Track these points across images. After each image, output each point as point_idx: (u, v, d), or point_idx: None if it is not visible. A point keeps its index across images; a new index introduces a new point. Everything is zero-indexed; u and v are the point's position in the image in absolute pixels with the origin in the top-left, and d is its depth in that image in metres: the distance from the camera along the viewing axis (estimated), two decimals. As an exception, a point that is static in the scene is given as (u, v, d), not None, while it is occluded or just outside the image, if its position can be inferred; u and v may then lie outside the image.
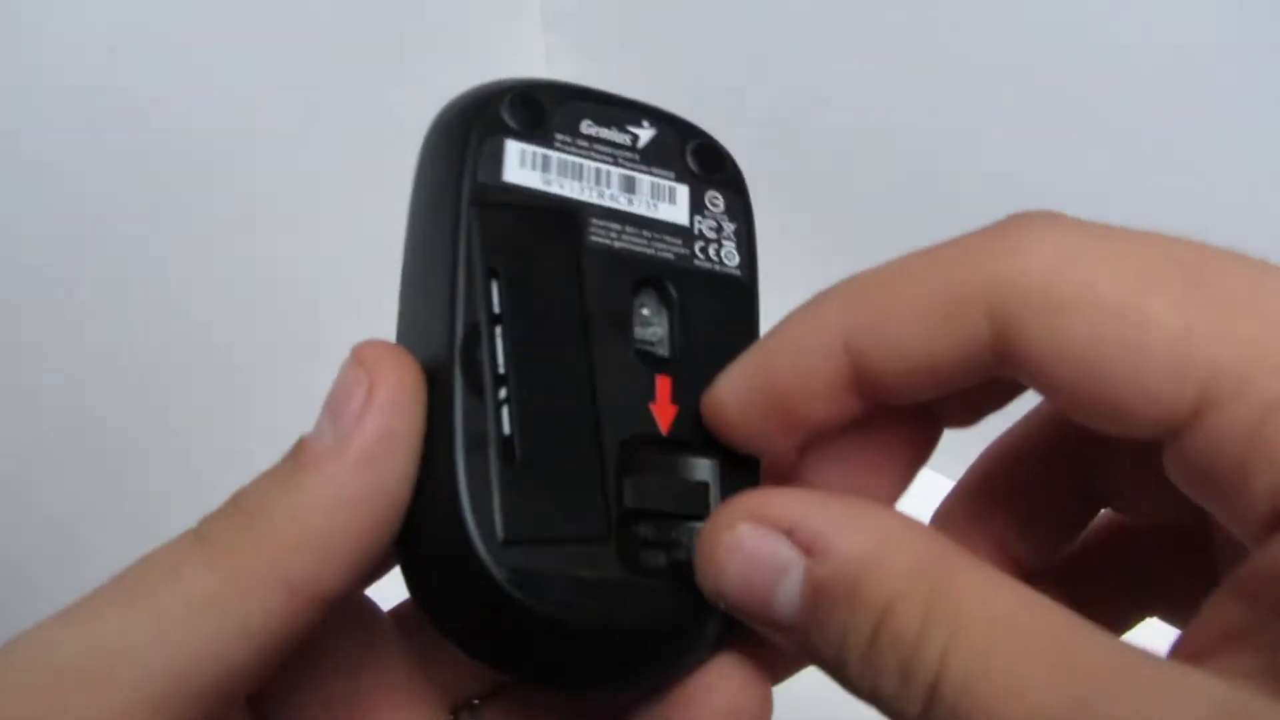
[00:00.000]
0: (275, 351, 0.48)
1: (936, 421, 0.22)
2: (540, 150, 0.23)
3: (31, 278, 0.39)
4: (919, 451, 0.22)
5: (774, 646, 0.21)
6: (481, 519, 0.20)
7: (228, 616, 0.18)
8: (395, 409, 0.20)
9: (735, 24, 0.50)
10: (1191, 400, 0.16)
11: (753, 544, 0.19)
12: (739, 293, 0.24)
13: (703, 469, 0.23)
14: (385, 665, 0.25)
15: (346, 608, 0.24)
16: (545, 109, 0.23)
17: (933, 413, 0.22)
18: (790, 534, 0.19)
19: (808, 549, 0.18)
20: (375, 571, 0.24)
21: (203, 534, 0.19)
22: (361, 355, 0.20)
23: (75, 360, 0.41)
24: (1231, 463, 0.16)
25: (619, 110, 0.24)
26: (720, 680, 0.22)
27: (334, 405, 0.20)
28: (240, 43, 0.42)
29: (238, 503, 0.20)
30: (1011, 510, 0.23)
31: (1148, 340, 0.16)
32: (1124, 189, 0.43)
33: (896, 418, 0.21)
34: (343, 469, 0.19)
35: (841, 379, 0.20)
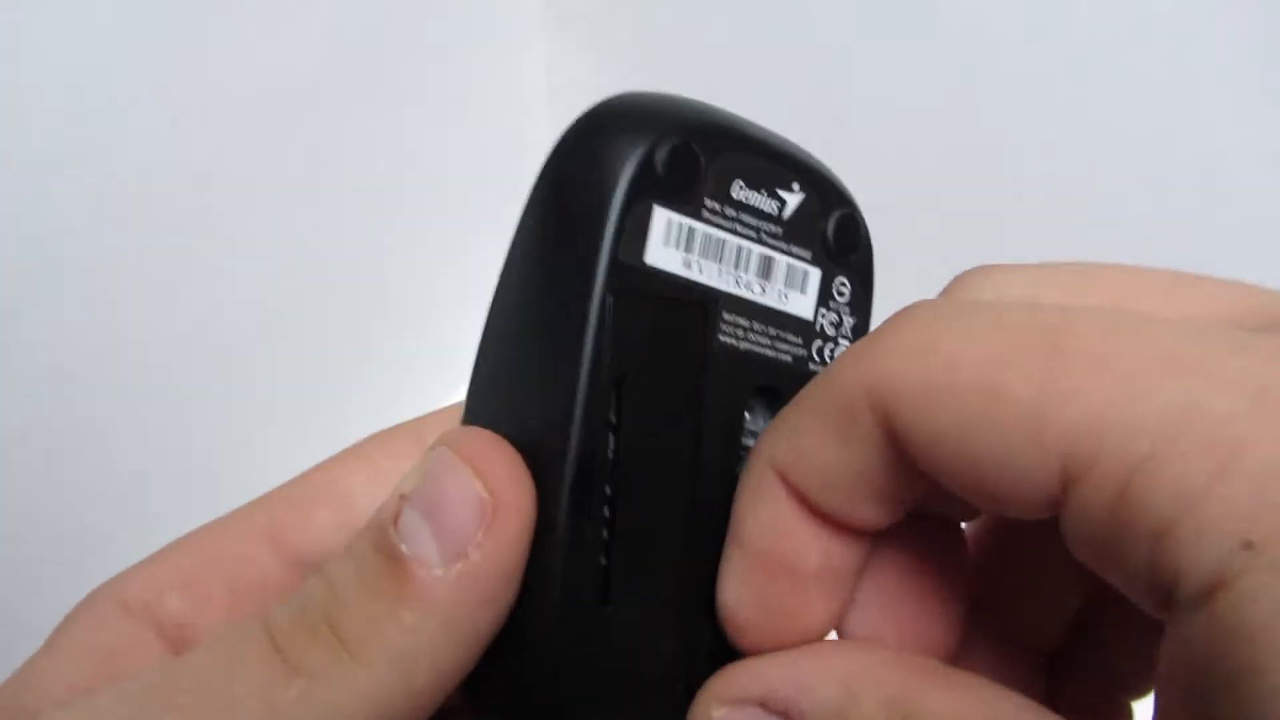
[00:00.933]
0: (275, 351, 0.48)
1: (947, 525, 0.20)
2: (688, 222, 0.19)
3: (32, 278, 0.38)
4: (950, 560, 0.20)
5: None
6: (575, 672, 0.18)
7: None
8: (519, 539, 0.17)
9: (737, 26, 0.49)
10: (1056, 473, 0.15)
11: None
12: None
13: None
14: None
15: None
16: (700, 163, 0.19)
17: (929, 517, 0.20)
18: (764, 706, 0.18)
19: (785, 717, 0.18)
20: None
21: (294, 660, 0.17)
22: (471, 453, 0.18)
23: (76, 360, 0.40)
24: (1105, 537, 0.15)
25: (773, 168, 0.20)
26: None
27: (441, 516, 0.17)
28: (239, 43, 0.41)
29: (334, 626, 0.17)
30: (1013, 589, 0.22)
31: (1004, 415, 0.15)
32: (1124, 188, 0.43)
33: (903, 543, 0.20)
34: (461, 610, 0.17)
35: (816, 535, 0.18)
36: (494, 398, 0.19)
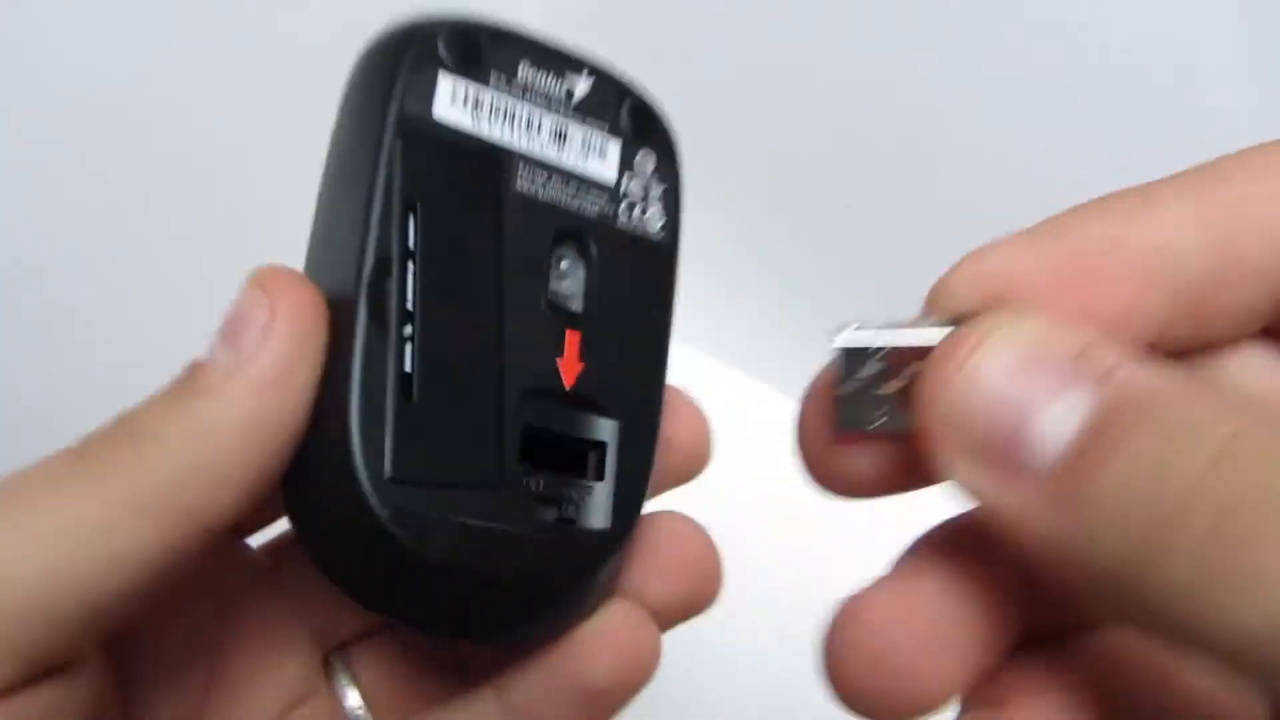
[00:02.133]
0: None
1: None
2: (474, 87, 0.23)
3: (31, 277, 0.39)
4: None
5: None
6: (370, 454, 0.20)
7: (115, 541, 0.18)
8: (296, 336, 0.19)
9: (736, 27, 0.50)
10: None
11: (1036, 341, 0.15)
12: (658, 258, 0.24)
13: (603, 429, 0.23)
14: (253, 603, 0.24)
15: (214, 556, 0.23)
16: (482, 47, 0.23)
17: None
18: (1083, 354, 0.15)
19: (1103, 375, 0.14)
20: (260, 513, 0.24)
21: (87, 453, 0.19)
22: (263, 280, 0.20)
23: (76, 360, 0.41)
24: None
25: (558, 59, 0.24)
26: (613, 624, 0.22)
27: (232, 329, 0.20)
28: (239, 43, 0.43)
29: (128, 424, 0.19)
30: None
31: None
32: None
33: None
34: (241, 394, 0.19)
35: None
36: (313, 250, 0.22)
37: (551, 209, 0.23)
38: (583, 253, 0.23)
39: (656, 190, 0.25)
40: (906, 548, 0.18)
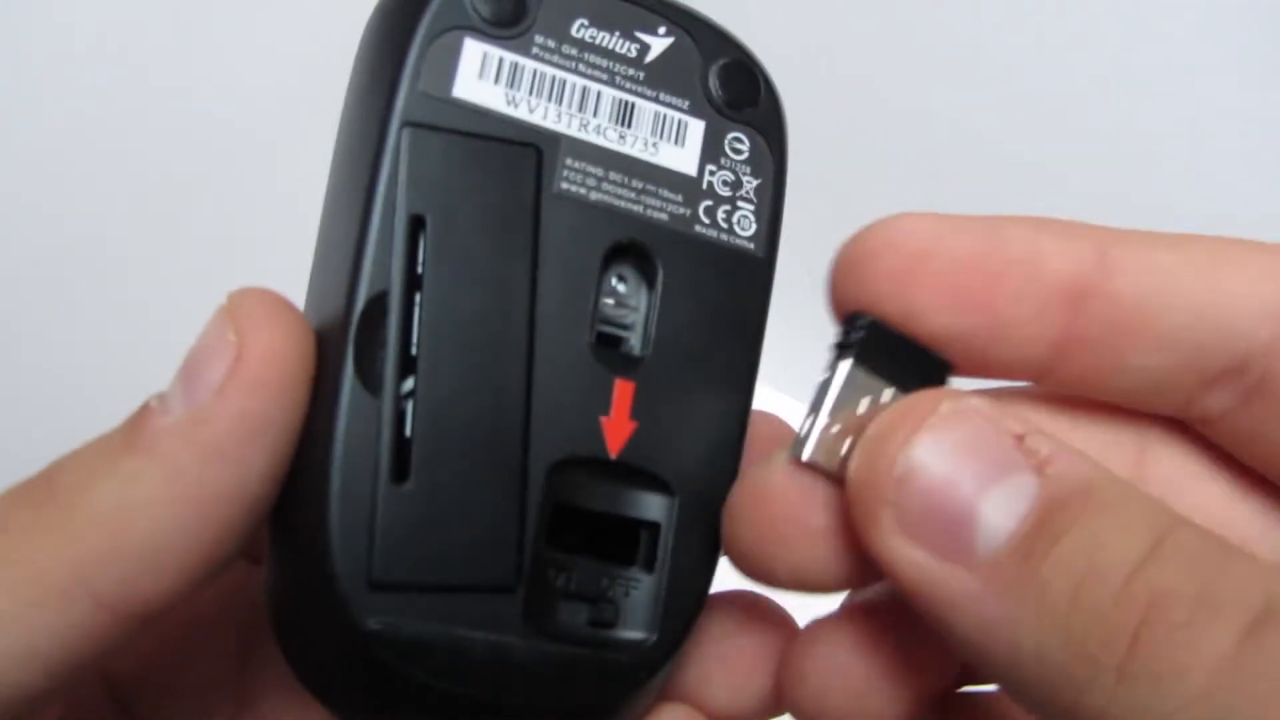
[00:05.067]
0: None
1: None
2: (510, 56, 0.18)
3: (30, 278, 0.39)
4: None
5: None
6: (351, 552, 0.15)
7: (14, 631, 0.15)
8: (264, 385, 0.15)
9: (736, 28, 0.50)
10: None
11: (976, 426, 0.15)
12: (748, 274, 0.19)
13: (656, 507, 0.18)
14: (275, 657, 0.21)
15: (232, 588, 0.21)
16: (528, 1, 0.18)
17: None
18: (1020, 441, 0.15)
19: (1041, 463, 0.15)
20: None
21: (2, 522, 0.15)
22: (235, 309, 0.16)
23: (76, 361, 0.41)
24: None
25: (629, 9, 0.18)
26: None
27: (190, 370, 0.16)
28: (238, 44, 0.42)
29: (51, 481, 0.16)
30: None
31: None
32: (1123, 188, 0.41)
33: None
34: (186, 460, 0.15)
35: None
36: (312, 276, 0.18)
37: (606, 215, 0.18)
38: (646, 273, 0.18)
39: (750, 184, 0.19)
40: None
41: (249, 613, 0.21)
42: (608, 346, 0.18)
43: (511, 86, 0.17)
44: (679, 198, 0.18)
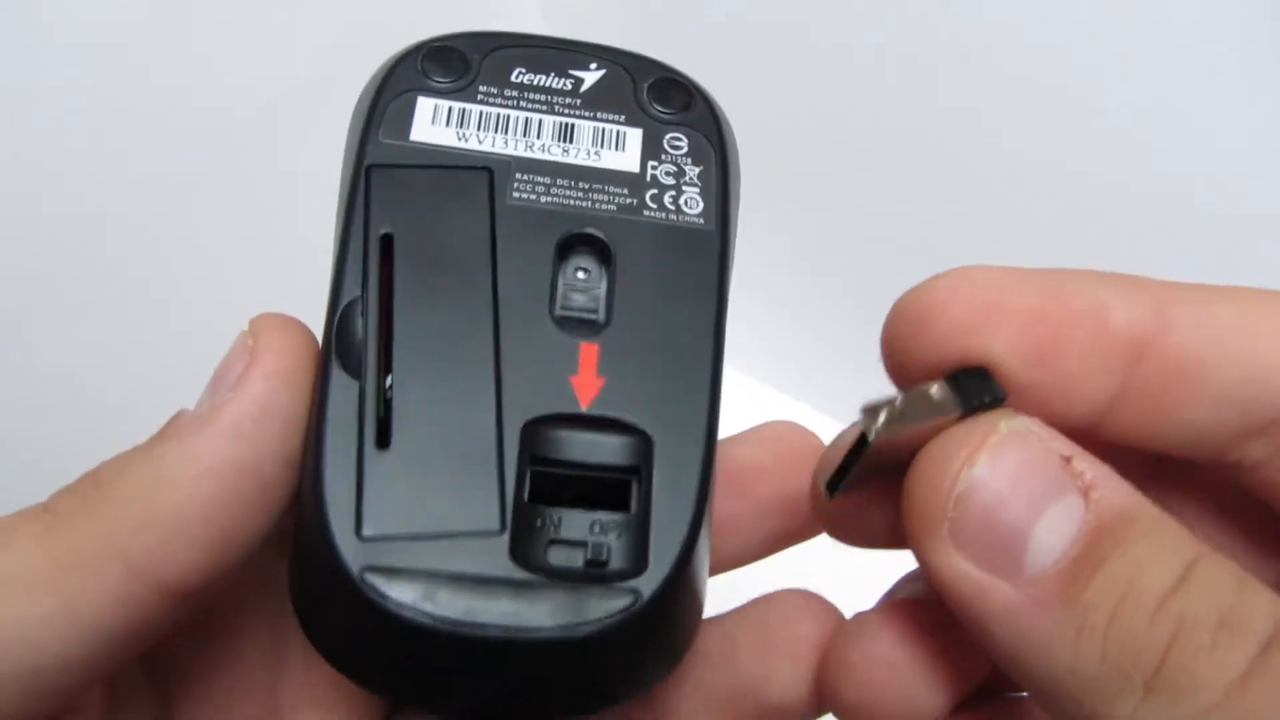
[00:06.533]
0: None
1: None
2: (458, 104, 0.21)
3: (31, 278, 0.39)
4: None
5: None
6: (340, 510, 0.17)
7: (51, 595, 0.16)
8: (275, 380, 0.18)
9: (736, 29, 0.49)
10: None
11: (1033, 448, 0.16)
12: (699, 244, 0.20)
13: (634, 451, 0.19)
14: (311, 655, 0.22)
15: (267, 583, 0.22)
16: (469, 60, 0.21)
17: None
18: (1067, 463, 0.16)
19: (1085, 486, 0.16)
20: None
21: (50, 504, 0.18)
22: (254, 325, 0.19)
23: (77, 361, 0.41)
24: None
25: (559, 54, 0.22)
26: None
27: (216, 376, 0.18)
28: (236, 44, 0.43)
29: (94, 474, 0.18)
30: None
31: None
32: (1126, 189, 0.41)
33: None
34: (208, 441, 0.17)
35: None
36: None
37: (555, 214, 0.20)
38: (602, 256, 0.20)
39: (692, 172, 0.21)
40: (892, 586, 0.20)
41: (283, 618, 0.22)
42: (569, 320, 0.20)
43: (461, 126, 0.21)
44: (624, 190, 0.21)
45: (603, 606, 0.17)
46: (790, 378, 0.52)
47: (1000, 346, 0.16)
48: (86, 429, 0.41)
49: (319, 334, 0.20)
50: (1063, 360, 0.17)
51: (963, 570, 0.16)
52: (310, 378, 0.18)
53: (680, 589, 0.18)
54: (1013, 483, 0.15)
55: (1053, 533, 0.15)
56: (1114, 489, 0.16)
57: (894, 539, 0.19)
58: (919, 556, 0.16)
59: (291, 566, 0.19)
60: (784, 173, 0.47)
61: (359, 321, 0.18)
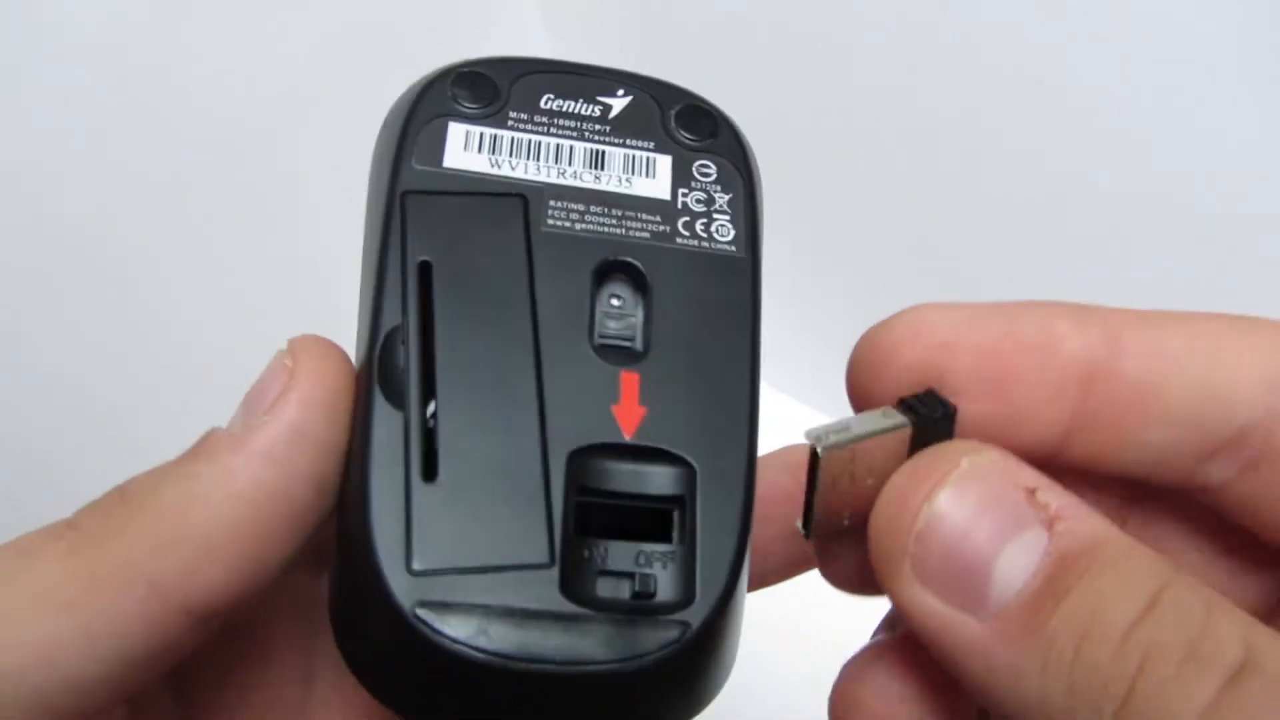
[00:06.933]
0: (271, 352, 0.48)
1: None
2: (489, 130, 0.21)
3: (31, 278, 0.39)
4: None
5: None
6: (389, 543, 0.17)
7: (73, 616, 0.16)
8: (311, 405, 0.18)
9: (736, 30, 0.49)
10: None
11: (995, 482, 0.16)
12: (732, 272, 0.21)
13: (677, 480, 0.19)
14: (341, 672, 0.22)
15: (298, 603, 0.22)
16: (498, 86, 0.21)
17: None
18: (1031, 494, 0.16)
19: (1050, 518, 0.16)
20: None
21: (75, 521, 0.17)
22: (293, 347, 0.19)
23: (77, 361, 0.40)
24: None
25: (587, 80, 0.22)
26: None
27: (252, 396, 0.18)
28: (234, 43, 0.42)
29: (122, 490, 0.18)
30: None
31: None
32: (1127, 191, 0.41)
33: None
34: (241, 462, 0.17)
35: None
36: (359, 321, 0.20)
37: (591, 242, 0.20)
38: (638, 286, 0.20)
39: (722, 199, 0.21)
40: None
41: (315, 639, 0.22)
42: (610, 348, 0.20)
43: (493, 153, 0.21)
44: (657, 218, 0.21)
45: (654, 638, 0.17)
46: (797, 381, 0.52)
47: (954, 383, 0.17)
48: (86, 429, 0.41)
49: (339, 340, 0.20)
50: (1015, 391, 0.17)
51: (929, 605, 0.16)
52: (346, 405, 0.18)
53: (727, 619, 0.18)
54: (973, 517, 0.16)
55: (1015, 565, 0.15)
56: (1080, 520, 0.16)
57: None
58: (887, 592, 0.17)
59: (336, 600, 0.19)
60: (784, 173, 0.48)
61: (403, 353, 0.18)
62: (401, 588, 0.17)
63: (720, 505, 0.19)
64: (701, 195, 0.21)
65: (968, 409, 0.17)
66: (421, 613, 0.17)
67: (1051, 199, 0.43)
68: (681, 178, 0.21)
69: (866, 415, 0.17)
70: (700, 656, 0.18)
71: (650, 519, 0.19)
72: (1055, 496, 0.16)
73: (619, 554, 0.19)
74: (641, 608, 0.18)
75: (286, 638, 0.22)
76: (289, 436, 0.18)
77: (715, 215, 0.21)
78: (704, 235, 0.21)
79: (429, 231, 0.19)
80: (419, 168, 0.20)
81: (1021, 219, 0.44)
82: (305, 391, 0.18)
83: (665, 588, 0.18)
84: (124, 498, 0.18)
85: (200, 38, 0.42)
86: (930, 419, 0.17)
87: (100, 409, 0.40)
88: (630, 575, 0.18)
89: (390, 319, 0.19)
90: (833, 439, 0.17)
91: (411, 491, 0.18)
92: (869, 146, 0.47)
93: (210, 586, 0.17)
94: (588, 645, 0.17)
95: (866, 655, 0.19)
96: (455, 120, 0.21)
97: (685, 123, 0.22)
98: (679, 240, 0.21)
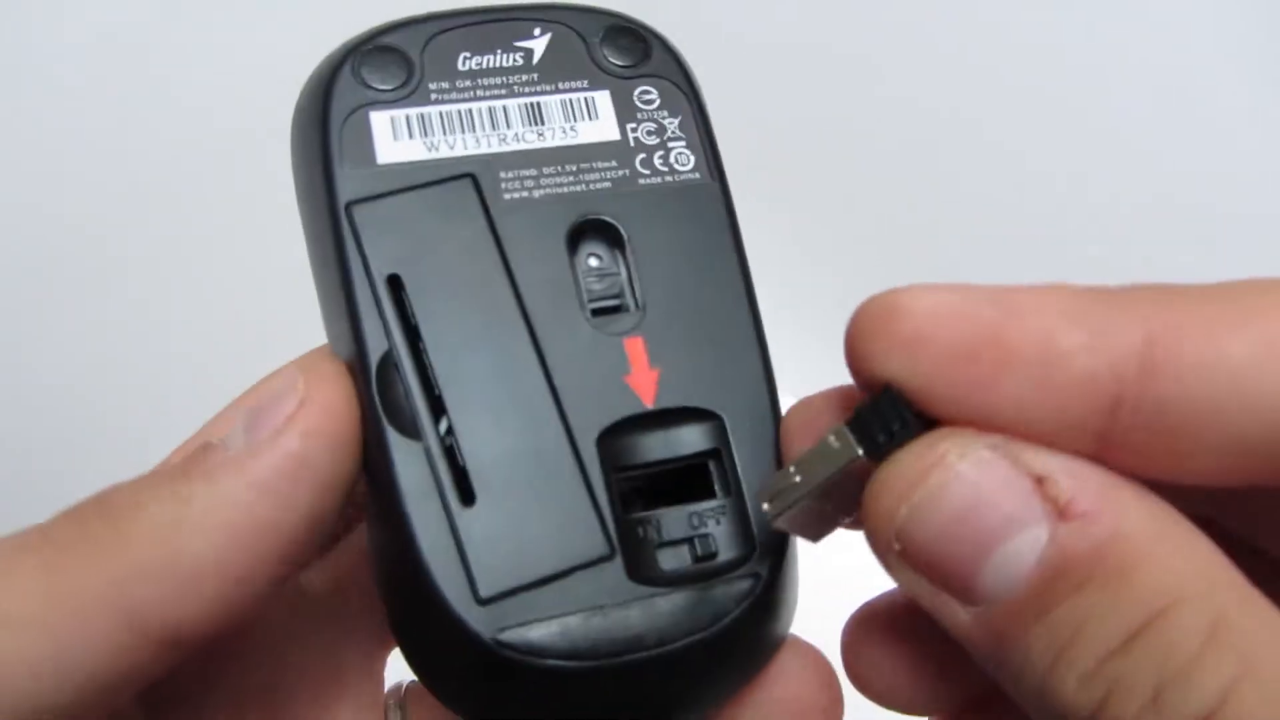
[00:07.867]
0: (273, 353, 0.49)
1: None
2: (414, 111, 0.19)
3: (30, 278, 0.39)
4: None
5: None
6: (451, 579, 0.17)
7: (43, 637, 0.15)
8: (317, 436, 0.17)
9: (736, 30, 0.48)
10: None
11: (988, 479, 0.14)
12: (703, 200, 0.20)
13: (707, 434, 0.18)
14: (313, 637, 0.21)
15: (270, 616, 0.21)
16: (409, 58, 0.19)
17: None
18: (1040, 484, 0.14)
19: (1061, 510, 0.14)
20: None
21: (50, 532, 0.16)
22: (305, 365, 0.18)
23: (77, 360, 0.41)
24: None
25: (499, 27, 0.20)
26: (790, 682, 0.19)
27: (256, 413, 0.17)
28: (234, 45, 0.42)
29: (103, 501, 0.16)
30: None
31: None
32: (1126, 191, 0.42)
33: None
34: (238, 489, 0.16)
35: None
36: (327, 331, 0.19)
37: (554, 206, 0.19)
38: (614, 240, 0.19)
39: (672, 125, 0.20)
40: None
41: (284, 613, 0.21)
42: (606, 316, 0.19)
43: (426, 135, 0.19)
44: (613, 162, 0.20)
45: (731, 596, 0.18)
46: (791, 374, 0.54)
47: (919, 382, 0.15)
48: (85, 429, 0.41)
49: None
50: (998, 397, 0.14)
51: (922, 589, 0.15)
52: (351, 438, 0.17)
53: (790, 561, 0.19)
54: (972, 506, 0.14)
55: (1014, 560, 0.14)
56: (1099, 511, 0.14)
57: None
58: (886, 570, 0.16)
59: (413, 646, 0.19)
60: (784, 173, 0.47)
61: (402, 381, 0.18)
62: (478, 620, 0.17)
63: (755, 447, 0.19)
64: (651, 125, 0.20)
65: (935, 408, 0.15)
66: (504, 638, 0.17)
67: (1052, 199, 0.44)
68: (626, 111, 0.20)
69: (815, 453, 0.16)
70: (775, 601, 0.18)
71: (690, 476, 0.19)
72: (1072, 483, 0.14)
73: (672, 522, 0.18)
74: (709, 570, 0.18)
75: (259, 650, 0.21)
76: (292, 468, 0.17)
77: (670, 144, 0.20)
78: (664, 169, 0.20)
79: (386, 241, 0.18)
80: (354, 171, 0.18)
81: (1022, 212, 0.45)
82: (314, 422, 0.17)
83: (725, 545, 0.18)
84: (105, 511, 0.16)
85: (200, 39, 0.41)
86: (879, 447, 0.15)
87: (100, 409, 0.41)
88: (689, 540, 0.18)
89: (375, 345, 0.18)
90: (780, 506, 0.16)
91: (455, 520, 0.17)
92: (869, 147, 0.47)
93: (191, 618, 0.16)
94: (672, 622, 0.17)
95: (866, 610, 0.19)
96: (375, 109, 0.19)
97: (613, 48, 0.20)
98: (641, 180, 0.20)
